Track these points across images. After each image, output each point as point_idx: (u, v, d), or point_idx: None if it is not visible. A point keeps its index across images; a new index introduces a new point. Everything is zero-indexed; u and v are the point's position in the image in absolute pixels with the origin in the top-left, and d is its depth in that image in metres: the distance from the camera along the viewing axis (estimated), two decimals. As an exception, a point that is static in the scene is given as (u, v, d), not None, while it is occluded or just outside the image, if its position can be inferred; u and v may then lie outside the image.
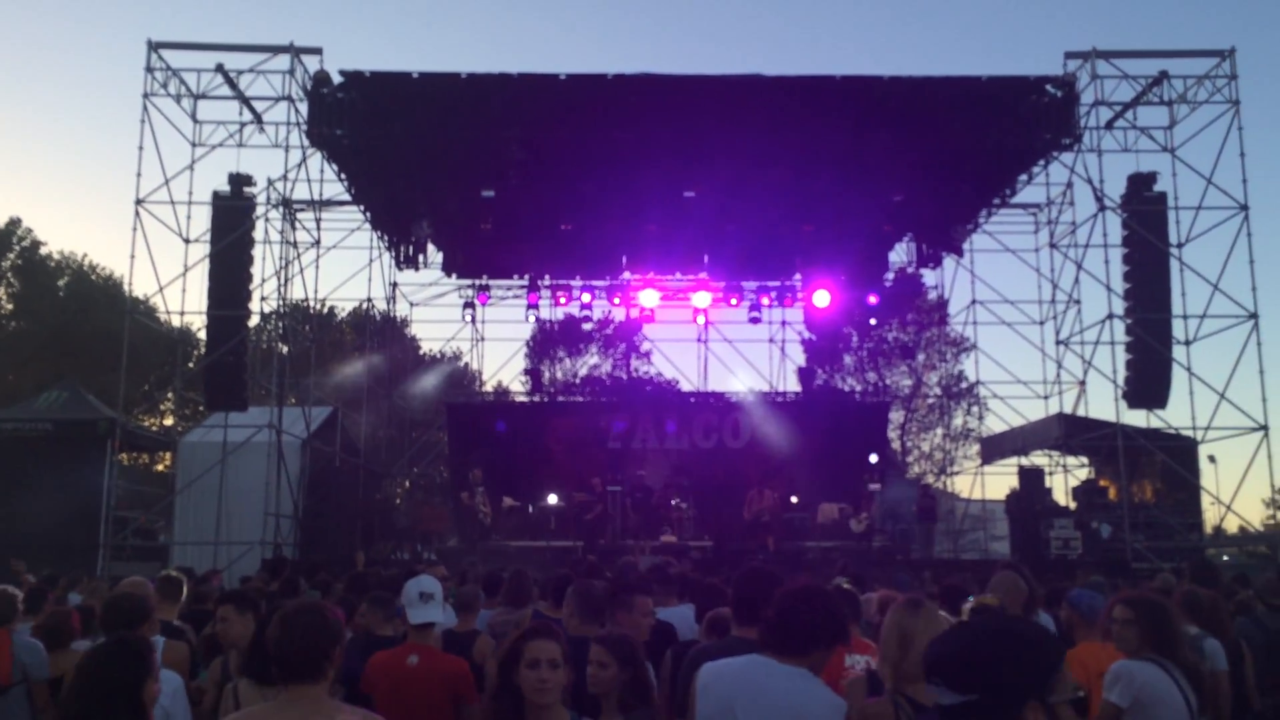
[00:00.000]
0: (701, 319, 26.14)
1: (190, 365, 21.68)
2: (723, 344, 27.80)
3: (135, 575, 6.09)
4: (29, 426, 18.66)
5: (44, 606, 7.34)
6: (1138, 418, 19.55)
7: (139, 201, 18.44)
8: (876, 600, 6.25)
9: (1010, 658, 1.94)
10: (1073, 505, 19.92)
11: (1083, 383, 21.15)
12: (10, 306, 38.86)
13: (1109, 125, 19.34)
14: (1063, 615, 5.70)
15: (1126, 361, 18.96)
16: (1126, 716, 4.15)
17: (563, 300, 24.98)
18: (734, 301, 24.75)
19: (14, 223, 38.78)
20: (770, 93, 17.50)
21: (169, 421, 36.88)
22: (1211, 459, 21.10)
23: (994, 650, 1.97)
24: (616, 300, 24.91)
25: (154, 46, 18.56)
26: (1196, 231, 19.29)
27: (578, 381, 33.16)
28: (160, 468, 32.24)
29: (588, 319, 27.92)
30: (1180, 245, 19.18)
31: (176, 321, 20.78)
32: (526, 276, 24.45)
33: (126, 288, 21.38)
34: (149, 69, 18.53)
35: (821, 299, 23.26)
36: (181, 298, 19.24)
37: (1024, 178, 21.08)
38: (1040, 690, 1.91)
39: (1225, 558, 22.59)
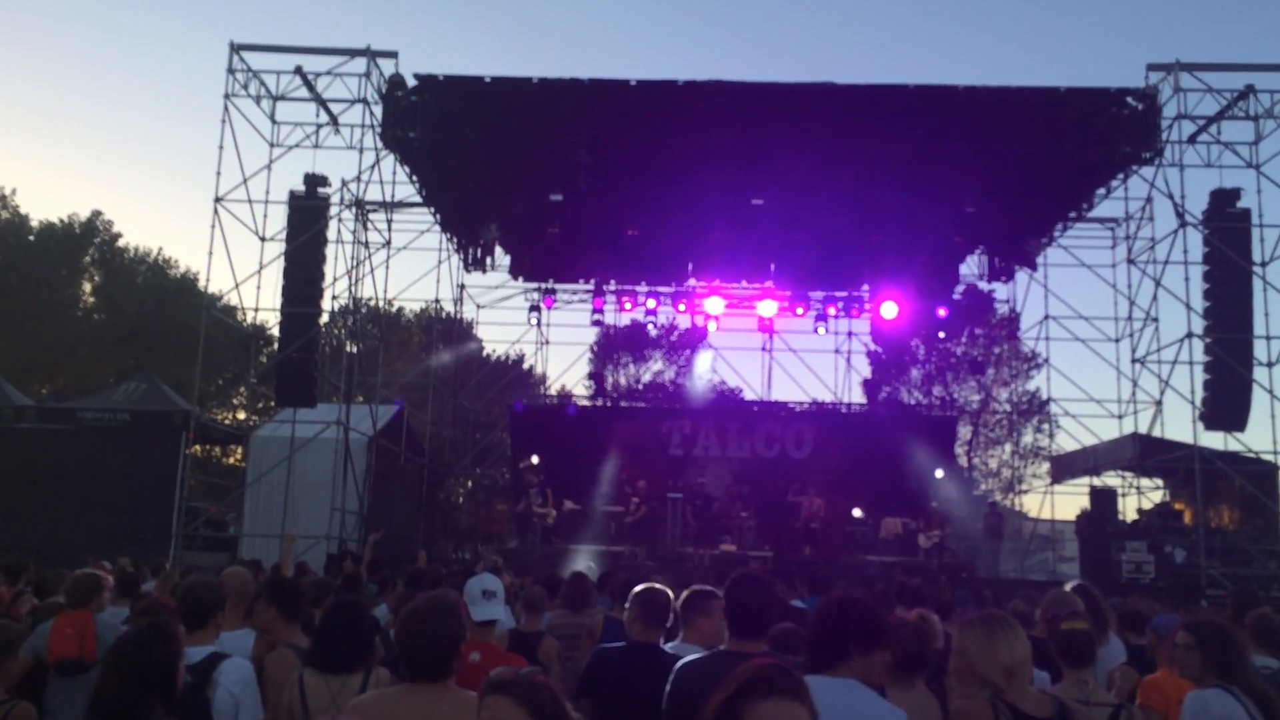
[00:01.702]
0: (767, 328, 26.03)
1: (263, 361, 22.13)
2: (787, 354, 27.67)
3: (236, 566, 6.18)
4: (108, 416, 19.17)
5: (136, 592, 7.52)
6: (1215, 440, 19.03)
7: (218, 199, 18.89)
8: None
9: None
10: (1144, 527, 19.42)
11: (1159, 402, 20.62)
12: (92, 299, 40.02)
13: (1192, 139, 18.83)
14: (1147, 641, 5.57)
15: (1205, 382, 18.42)
16: None
17: (628, 306, 25.05)
18: (800, 311, 24.57)
19: (96, 215, 39.95)
20: (841, 101, 17.35)
21: (241, 415, 37.71)
22: (1292, 484, 20.40)
23: None
24: (682, 307, 24.90)
25: (236, 48, 19.01)
26: (1281, 250, 18.71)
27: (641, 388, 33.17)
28: (231, 460, 32.94)
29: (652, 325, 27.96)
30: (1264, 264, 18.58)
31: (251, 318, 21.24)
32: (592, 281, 24.57)
33: (203, 283, 21.94)
34: (230, 70, 18.98)
35: (889, 310, 23.00)
36: (256, 295, 19.75)
37: (1102, 191, 20.66)
38: None
39: (1305, 587, 21.82)
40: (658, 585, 4.81)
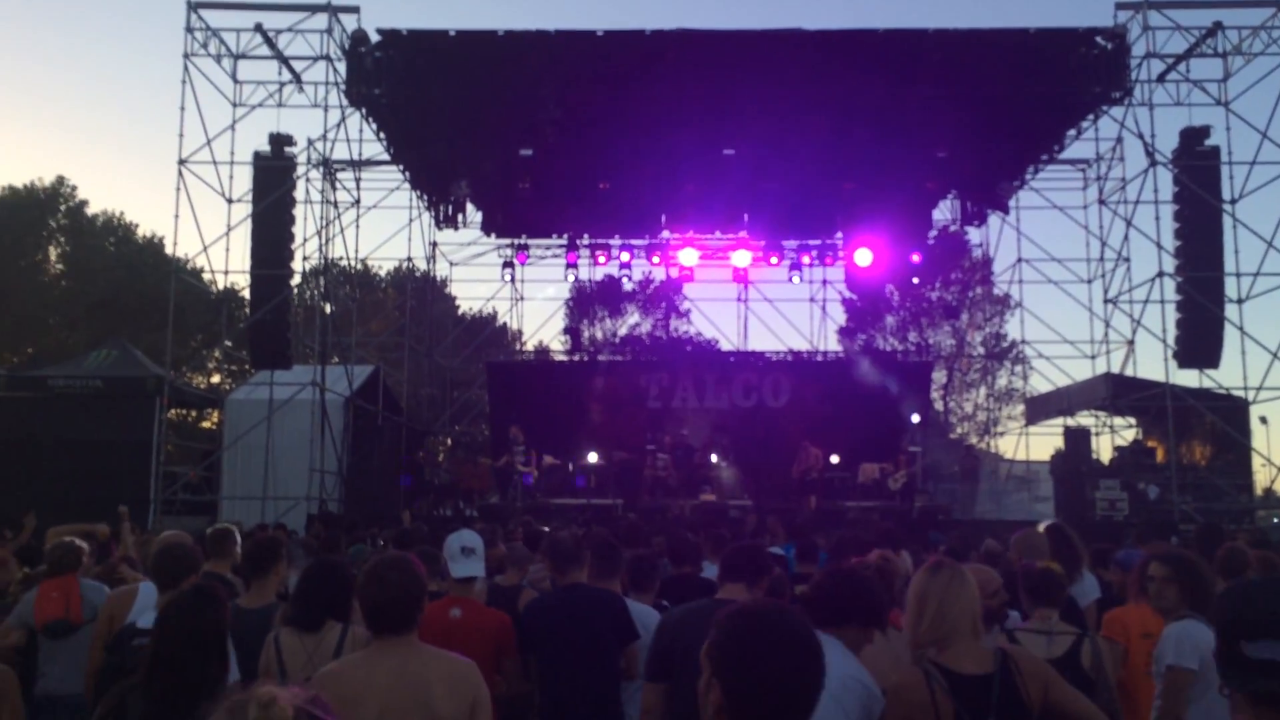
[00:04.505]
0: (741, 278, 26.01)
1: (240, 325, 21.98)
2: (763, 303, 27.70)
3: (175, 529, 6.15)
4: (80, 384, 18.99)
5: (109, 559, 7.52)
6: (1188, 378, 19.26)
7: (181, 162, 18.59)
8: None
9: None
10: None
11: (1131, 342, 20.84)
12: (60, 267, 39.48)
13: (1161, 78, 18.83)
14: (1111, 576, 5.64)
15: (1177, 320, 18.61)
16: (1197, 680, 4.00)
17: (602, 259, 24.95)
18: (774, 260, 24.54)
19: (60, 181, 39.29)
20: (811, 47, 17.19)
21: (216, 379, 37.46)
22: (1263, 420, 20.69)
23: None
24: (655, 259, 24.81)
25: (194, 6, 18.61)
26: (1250, 187, 18.82)
27: (617, 341, 33.17)
28: (207, 424, 32.76)
29: (627, 278, 27.88)
30: (1233, 201, 18.71)
31: (221, 281, 21.04)
32: (565, 236, 24.41)
33: (170, 247, 21.65)
34: (189, 29, 18.60)
35: (863, 257, 23.00)
36: (225, 257, 19.54)
37: (1073, 133, 20.63)
38: None
39: (1275, 520, 22.23)
40: (562, 531, 5.09)
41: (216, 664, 3.17)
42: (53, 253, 39.63)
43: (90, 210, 40.00)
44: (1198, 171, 18.36)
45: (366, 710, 3.10)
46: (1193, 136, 18.66)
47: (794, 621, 1.86)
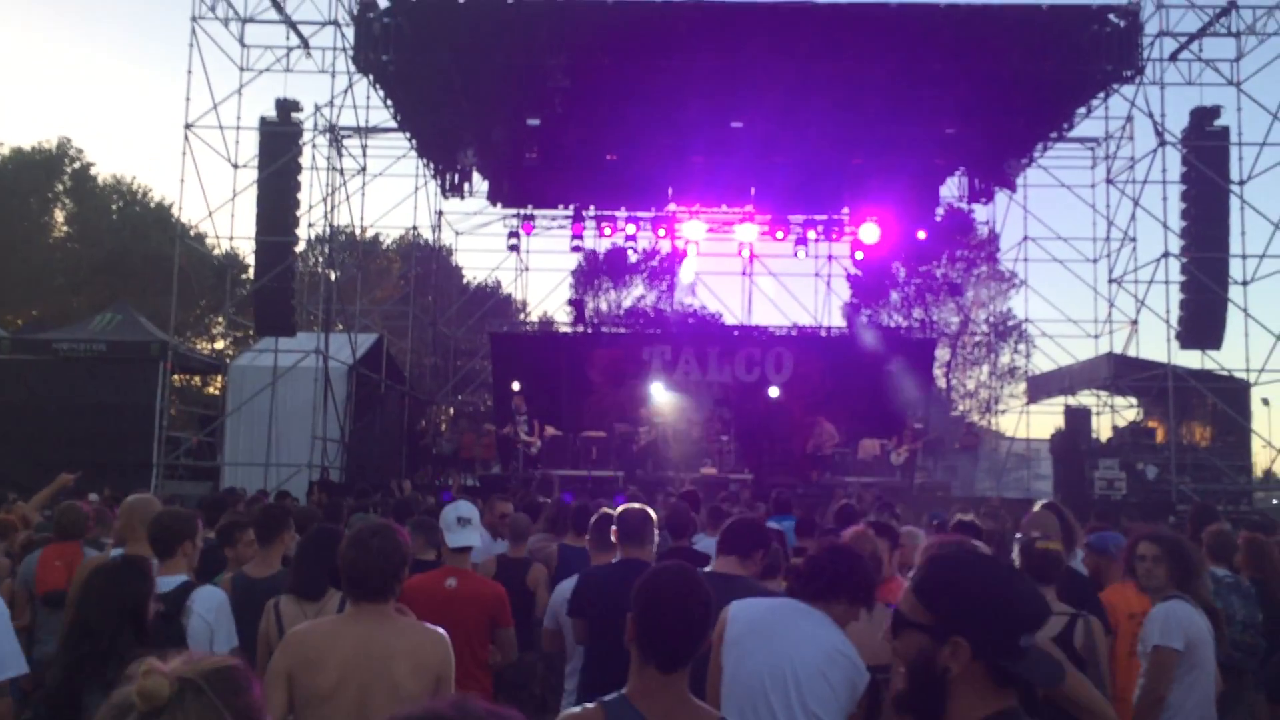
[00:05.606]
0: (747, 252, 25.95)
1: (243, 292, 22.00)
2: (768, 278, 27.66)
3: (143, 494, 6.01)
4: (84, 347, 19.04)
5: (112, 523, 7.50)
6: (1190, 359, 19.25)
7: (188, 126, 18.55)
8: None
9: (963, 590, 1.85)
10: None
11: (1134, 322, 20.80)
12: (65, 229, 39.42)
13: (1173, 57, 18.70)
14: (1085, 561, 5.61)
15: (1181, 301, 18.57)
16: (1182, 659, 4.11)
17: (607, 231, 24.88)
18: (780, 235, 24.47)
19: (65, 143, 39.14)
20: (821, 20, 17.07)
21: (220, 345, 37.52)
22: (1265, 401, 20.73)
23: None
24: (661, 232, 24.75)
25: (201, -31, 18.49)
26: (1260, 168, 18.67)
27: (621, 313, 33.15)
28: (211, 390, 32.87)
29: (632, 250, 27.82)
30: (1242, 182, 18.60)
31: (225, 247, 21.05)
32: (571, 207, 24.34)
33: (176, 212, 21.64)
34: (197, -9, 18.49)
35: (869, 233, 22.95)
36: (231, 223, 19.55)
37: (1082, 111, 20.54)
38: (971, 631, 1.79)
39: (1275, 501, 22.29)
40: (634, 505, 4.93)
41: (130, 634, 3.16)
42: (58, 215, 39.56)
43: (97, 173, 39.93)
44: (1207, 152, 18.26)
45: (326, 675, 3.10)
46: (1203, 116, 18.54)
47: (693, 582, 2.66)
